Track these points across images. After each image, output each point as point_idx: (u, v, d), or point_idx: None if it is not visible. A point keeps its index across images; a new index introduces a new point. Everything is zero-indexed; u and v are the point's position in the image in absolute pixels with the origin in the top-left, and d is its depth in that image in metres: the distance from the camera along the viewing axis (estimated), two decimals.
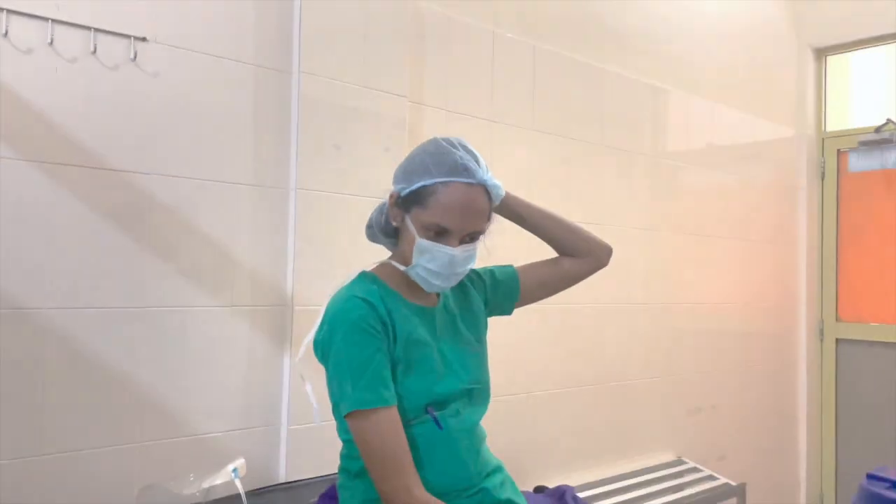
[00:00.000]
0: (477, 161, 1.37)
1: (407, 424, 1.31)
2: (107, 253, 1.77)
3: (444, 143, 1.37)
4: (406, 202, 1.37)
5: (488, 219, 1.40)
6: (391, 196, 1.40)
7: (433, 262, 1.35)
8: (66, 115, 1.71)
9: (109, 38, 1.76)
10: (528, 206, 1.55)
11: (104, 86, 1.76)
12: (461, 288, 1.54)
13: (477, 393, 1.45)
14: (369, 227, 1.49)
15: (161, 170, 1.84)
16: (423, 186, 1.34)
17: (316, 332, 1.37)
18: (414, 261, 1.36)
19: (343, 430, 1.38)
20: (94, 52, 1.74)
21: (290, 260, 2.04)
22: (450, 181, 1.33)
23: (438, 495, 1.29)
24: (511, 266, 1.60)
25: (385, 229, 1.46)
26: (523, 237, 1.57)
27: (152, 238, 1.83)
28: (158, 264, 1.84)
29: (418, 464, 1.30)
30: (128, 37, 1.79)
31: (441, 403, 1.36)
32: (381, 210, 1.46)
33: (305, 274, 2.05)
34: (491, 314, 1.58)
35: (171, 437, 1.85)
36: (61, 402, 1.69)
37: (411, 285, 1.42)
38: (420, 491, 1.27)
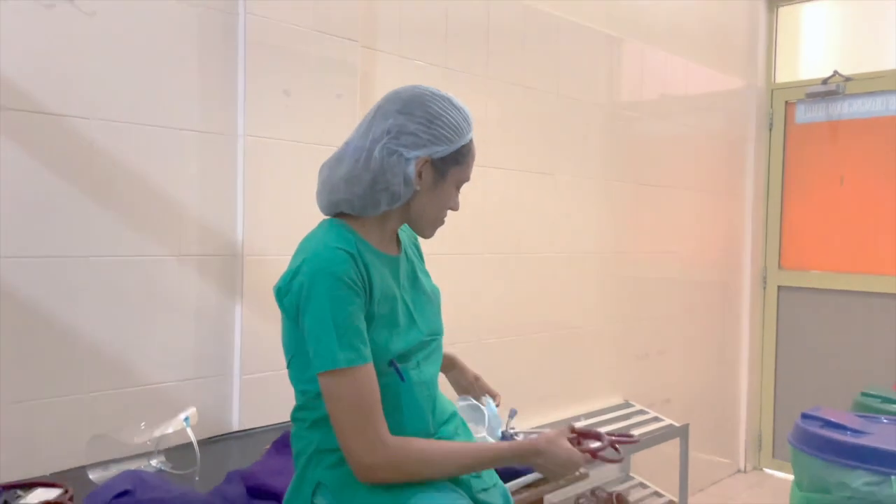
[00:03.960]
0: None
1: None
2: (49, 200, 1.70)
3: (453, 99, 1.39)
4: (444, 164, 1.36)
5: None
6: (421, 162, 1.33)
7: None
8: None
9: None
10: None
11: (39, 25, 1.67)
12: (416, 242, 1.56)
13: (433, 346, 1.46)
14: (386, 190, 1.33)
15: (102, 115, 1.77)
16: (463, 145, 1.36)
17: (283, 278, 1.31)
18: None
19: (303, 381, 1.34)
20: None
21: (240, 208, 2.00)
22: (471, 135, 1.39)
23: None
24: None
25: (403, 194, 1.35)
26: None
27: (96, 185, 1.77)
28: (103, 212, 1.79)
29: None
30: None
31: (404, 356, 1.36)
32: (392, 172, 1.32)
33: (255, 223, 2.02)
34: None
35: (121, 387, 1.82)
36: (4, 353, 1.65)
37: (382, 234, 1.40)
38: (391, 438, 1.27)
